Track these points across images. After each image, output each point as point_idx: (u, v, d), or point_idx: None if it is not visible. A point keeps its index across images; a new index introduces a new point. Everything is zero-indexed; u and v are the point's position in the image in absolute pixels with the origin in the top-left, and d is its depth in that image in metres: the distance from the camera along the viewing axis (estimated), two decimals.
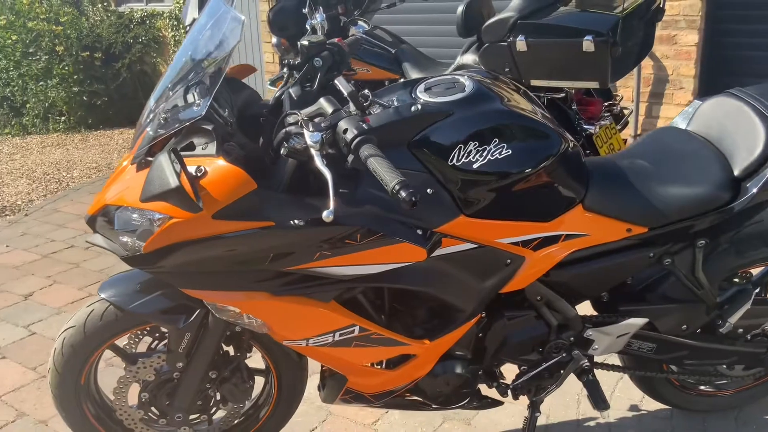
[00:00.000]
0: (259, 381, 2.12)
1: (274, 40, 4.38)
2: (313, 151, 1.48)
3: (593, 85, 3.68)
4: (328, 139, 1.50)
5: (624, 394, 2.50)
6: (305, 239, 1.57)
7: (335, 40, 1.83)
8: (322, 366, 1.98)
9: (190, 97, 1.58)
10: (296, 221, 1.54)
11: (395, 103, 1.67)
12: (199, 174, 1.51)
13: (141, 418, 2.00)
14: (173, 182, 1.37)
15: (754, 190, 1.82)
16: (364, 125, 1.47)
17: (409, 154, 1.64)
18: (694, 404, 2.33)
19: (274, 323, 1.70)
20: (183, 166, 1.44)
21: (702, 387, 2.34)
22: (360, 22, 4.37)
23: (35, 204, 5.06)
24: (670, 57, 4.89)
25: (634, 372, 2.16)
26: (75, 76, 7.68)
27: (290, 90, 1.73)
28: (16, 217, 4.77)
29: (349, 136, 1.45)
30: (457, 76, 1.75)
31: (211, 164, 1.52)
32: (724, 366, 2.20)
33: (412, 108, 1.64)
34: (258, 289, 1.65)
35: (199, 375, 1.90)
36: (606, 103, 4.11)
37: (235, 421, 2.12)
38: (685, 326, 2.03)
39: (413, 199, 1.35)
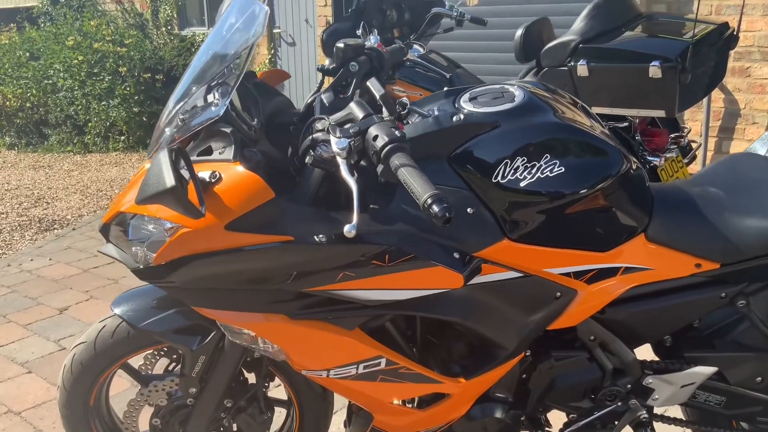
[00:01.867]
0: (281, 414, 1.96)
1: (327, 62, 4.30)
2: (339, 159, 1.32)
3: (659, 114, 3.47)
4: (357, 146, 1.34)
5: None
6: (327, 258, 1.41)
7: (376, 45, 1.69)
8: (349, 405, 1.81)
9: (210, 98, 1.45)
10: (318, 237, 1.38)
11: (435, 113, 1.51)
12: (213, 180, 1.37)
13: None
14: (169, 181, 1.23)
15: None
16: (397, 132, 1.31)
17: (448, 169, 1.47)
18: None
19: (292, 350, 1.54)
20: (189, 166, 1.30)
21: None
22: (415, 46, 4.27)
23: (84, 219, 5.06)
24: (743, 90, 4.62)
25: (699, 427, 1.91)
26: (136, 97, 7.80)
27: (322, 96, 1.59)
28: (64, 231, 4.77)
29: (379, 143, 1.29)
30: (506, 86, 1.58)
31: (227, 170, 1.38)
32: None
33: (454, 118, 1.47)
34: (275, 311, 1.49)
35: (213, 402, 1.75)
36: (672, 135, 3.86)
37: None
38: (760, 378, 1.78)
39: (447, 214, 1.18)
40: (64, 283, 3.78)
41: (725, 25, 3.59)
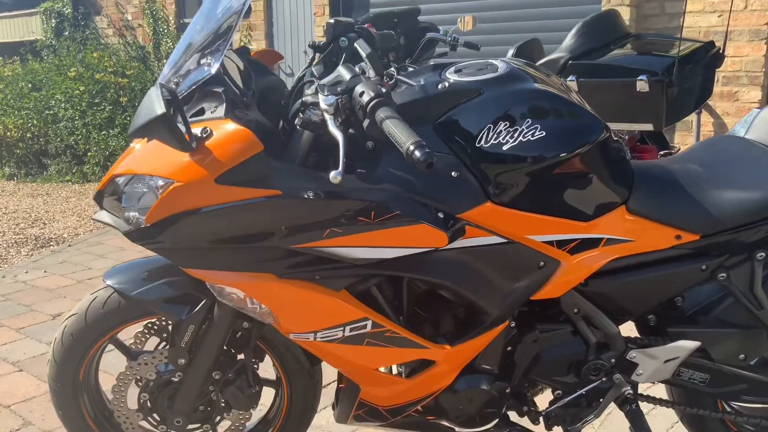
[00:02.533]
0: (269, 396, 1.97)
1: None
2: (326, 116, 1.37)
3: (647, 127, 3.55)
4: (344, 104, 1.40)
5: None
6: (314, 213, 1.45)
7: (365, 25, 1.76)
8: (338, 383, 1.82)
9: (203, 61, 1.50)
10: (306, 193, 1.43)
11: (422, 82, 1.57)
12: (204, 135, 1.42)
13: (140, 423, 1.86)
14: (159, 109, 1.28)
15: None
16: (383, 89, 1.36)
17: (433, 135, 1.52)
18: None
19: (279, 311, 1.56)
20: (181, 113, 1.35)
21: None
22: (410, 69, 4.36)
23: (80, 237, 5.09)
24: (731, 114, 4.71)
25: (684, 409, 1.91)
26: None
27: (313, 68, 1.65)
28: (60, 248, 4.80)
29: (365, 98, 1.35)
30: (490, 60, 1.64)
31: (218, 126, 1.43)
32: None
33: (439, 86, 1.53)
34: (263, 270, 1.52)
35: (201, 374, 1.76)
36: (662, 152, 3.94)
37: None
38: (743, 355, 1.80)
39: (429, 159, 1.23)
40: (58, 293, 3.79)
41: (711, 44, 3.70)
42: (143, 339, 1.87)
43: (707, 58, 3.57)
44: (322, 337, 1.59)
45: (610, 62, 3.53)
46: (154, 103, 1.30)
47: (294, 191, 1.43)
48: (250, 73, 1.69)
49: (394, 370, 1.76)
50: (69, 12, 9.73)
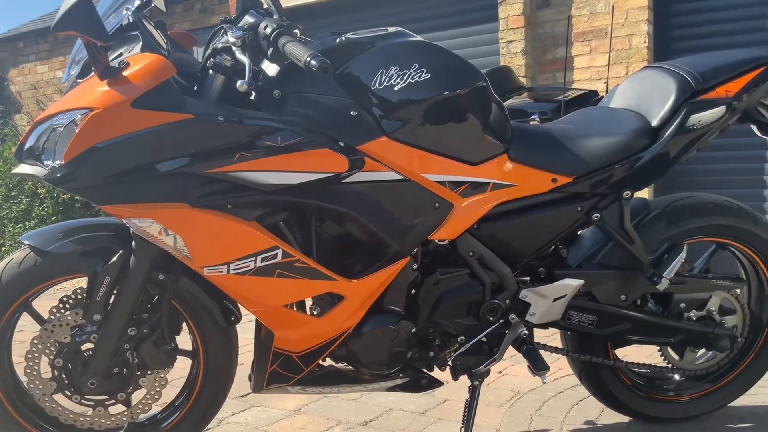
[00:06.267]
0: (186, 367, 2.00)
1: None
2: (234, 48, 1.55)
3: None
4: (251, 41, 1.58)
5: (580, 414, 2.36)
6: (225, 136, 1.59)
7: None
8: (255, 356, 1.89)
9: (123, 7, 1.67)
10: (217, 116, 1.57)
11: (322, 39, 1.78)
12: (121, 66, 1.56)
13: (52, 393, 1.86)
14: None
15: (667, 134, 1.90)
16: (285, 22, 1.56)
17: (333, 83, 1.71)
18: (650, 410, 2.19)
19: (193, 242, 1.65)
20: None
21: (656, 390, 2.22)
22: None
23: None
24: None
25: (578, 356, 2.06)
26: (54, 218, 7.82)
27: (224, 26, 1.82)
28: None
29: (268, 30, 1.54)
30: (383, 27, 1.87)
31: (134, 58, 1.58)
32: (672, 351, 2.13)
33: (337, 40, 1.74)
34: (177, 200, 1.62)
35: (117, 329, 1.80)
36: None
37: (156, 407, 1.97)
38: (624, 296, 1.99)
39: (324, 65, 1.42)
40: None
41: (594, 92, 4.12)
42: (58, 314, 1.89)
43: (590, 102, 3.97)
44: (235, 269, 1.68)
45: (508, 106, 3.88)
46: None
47: (206, 116, 1.57)
48: (166, 39, 1.86)
49: (307, 313, 1.85)
50: None
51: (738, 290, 2.14)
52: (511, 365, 2.88)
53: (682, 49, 4.95)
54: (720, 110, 1.94)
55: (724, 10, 4.84)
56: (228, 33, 1.59)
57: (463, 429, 1.95)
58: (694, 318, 2.08)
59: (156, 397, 1.94)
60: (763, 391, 2.45)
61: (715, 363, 2.18)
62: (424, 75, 1.72)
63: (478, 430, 2.21)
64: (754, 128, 2.08)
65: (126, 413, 1.93)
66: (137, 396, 1.93)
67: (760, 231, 2.08)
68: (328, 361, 1.92)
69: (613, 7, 4.55)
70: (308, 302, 1.87)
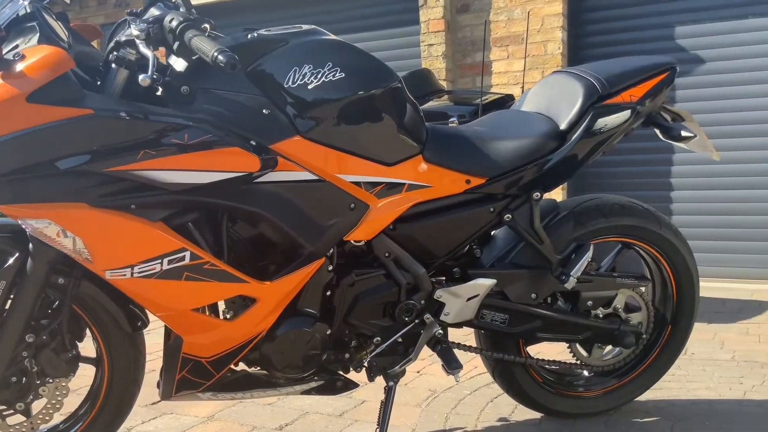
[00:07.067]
0: (90, 375, 1.92)
1: None
2: (137, 41, 1.49)
3: None
4: (156, 34, 1.53)
5: (494, 411, 2.40)
6: (128, 133, 1.52)
7: None
8: (163, 362, 1.82)
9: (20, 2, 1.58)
10: (119, 112, 1.51)
11: (234, 35, 1.73)
12: (16, 58, 1.48)
13: None
14: None
15: (575, 137, 1.95)
16: (191, 16, 1.51)
17: (246, 81, 1.67)
18: (560, 405, 2.25)
19: (93, 244, 1.57)
20: None
21: (566, 386, 2.28)
22: None
23: None
24: None
25: (492, 354, 2.09)
26: None
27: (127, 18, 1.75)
28: None
29: (174, 23, 1.49)
30: (297, 24, 1.84)
31: (30, 50, 1.49)
32: (580, 348, 2.19)
33: (249, 36, 1.70)
34: (77, 200, 1.53)
35: (14, 336, 1.70)
36: None
37: (58, 417, 1.88)
38: (534, 294, 2.03)
39: (232, 61, 1.38)
40: None
41: (511, 96, 4.21)
42: None
43: (507, 106, 4.05)
44: (139, 272, 1.61)
45: (428, 109, 3.92)
46: None
47: (107, 111, 1.50)
48: (68, 31, 1.77)
49: (220, 317, 1.80)
50: None
51: (643, 288, 2.22)
52: (429, 365, 2.90)
53: (595, 56, 5.13)
54: (625, 114, 2.01)
55: (637, 18, 5.04)
56: (132, 25, 1.53)
57: (378, 430, 1.95)
58: (601, 315, 2.14)
59: (57, 406, 1.85)
60: (668, 386, 2.56)
61: (621, 359, 2.26)
62: (338, 74, 1.70)
63: (394, 430, 2.21)
64: (657, 132, 2.17)
65: (26, 424, 1.83)
66: (37, 405, 1.84)
67: (663, 231, 2.16)
68: (241, 366, 1.87)
69: (529, 13, 4.66)
70: (221, 306, 1.83)
